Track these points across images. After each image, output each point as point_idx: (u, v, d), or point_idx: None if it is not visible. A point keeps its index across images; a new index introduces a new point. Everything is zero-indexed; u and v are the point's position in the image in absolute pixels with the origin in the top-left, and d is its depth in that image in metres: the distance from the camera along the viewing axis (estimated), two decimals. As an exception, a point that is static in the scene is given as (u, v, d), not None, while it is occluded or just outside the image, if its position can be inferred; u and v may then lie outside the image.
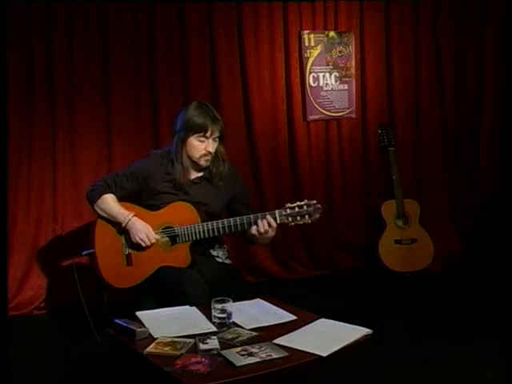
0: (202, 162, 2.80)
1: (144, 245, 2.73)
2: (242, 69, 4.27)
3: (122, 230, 2.78)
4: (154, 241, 2.74)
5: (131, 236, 2.74)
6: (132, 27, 3.96)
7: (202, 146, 2.77)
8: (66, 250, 3.74)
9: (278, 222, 2.66)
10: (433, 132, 4.71)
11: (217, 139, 2.80)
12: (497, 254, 4.32)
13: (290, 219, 2.66)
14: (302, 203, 2.66)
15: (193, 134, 2.76)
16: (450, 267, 4.46)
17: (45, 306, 3.82)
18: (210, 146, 2.77)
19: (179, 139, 2.79)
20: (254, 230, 2.66)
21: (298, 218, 2.65)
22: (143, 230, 2.73)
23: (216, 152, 2.84)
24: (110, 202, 2.81)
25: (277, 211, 2.66)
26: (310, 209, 2.66)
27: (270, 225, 2.64)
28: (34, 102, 3.80)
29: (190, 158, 2.80)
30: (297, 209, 2.65)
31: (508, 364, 2.53)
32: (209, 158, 2.80)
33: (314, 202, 2.67)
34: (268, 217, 2.65)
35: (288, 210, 2.66)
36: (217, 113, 2.81)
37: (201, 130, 2.74)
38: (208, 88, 4.16)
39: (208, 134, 2.76)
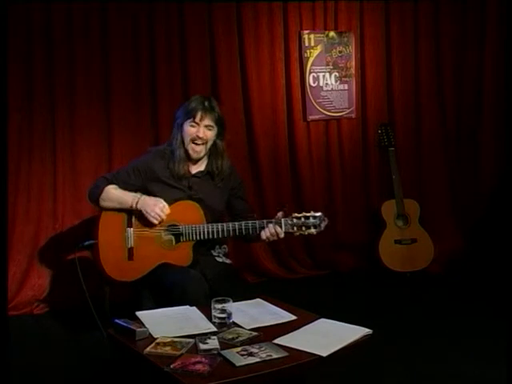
0: (191, 152, 2.80)
1: (160, 217, 2.71)
2: (242, 69, 4.28)
3: (128, 223, 2.77)
4: (167, 211, 2.72)
5: (145, 213, 2.72)
6: (132, 27, 3.97)
7: (193, 130, 2.78)
8: (66, 250, 3.75)
9: (283, 230, 2.67)
10: (433, 132, 4.71)
11: (211, 128, 2.80)
12: (497, 254, 4.31)
13: (295, 229, 2.67)
14: (309, 214, 2.67)
15: (186, 119, 2.80)
16: (450, 267, 4.46)
17: (45, 306, 3.81)
18: (201, 131, 2.77)
19: (177, 126, 2.84)
20: (263, 235, 2.68)
21: (304, 228, 2.66)
22: (157, 204, 2.72)
23: (216, 147, 2.86)
24: (113, 191, 2.80)
25: (282, 220, 2.68)
26: (316, 220, 2.67)
27: (277, 234, 2.67)
28: (34, 102, 3.80)
29: (183, 146, 2.81)
30: (303, 219, 2.66)
31: (508, 364, 2.52)
32: (199, 149, 2.80)
33: (320, 213, 2.68)
34: (277, 227, 2.67)
35: (294, 220, 2.67)
36: (216, 106, 2.83)
37: (191, 114, 2.78)
38: (208, 88, 4.16)
39: (197, 119, 2.77)
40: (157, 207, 2.72)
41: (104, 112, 3.96)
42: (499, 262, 4.24)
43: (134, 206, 2.74)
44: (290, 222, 2.67)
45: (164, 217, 2.73)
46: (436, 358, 2.94)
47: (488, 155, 4.72)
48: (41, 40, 3.76)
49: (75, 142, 3.91)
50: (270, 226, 2.68)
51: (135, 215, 2.79)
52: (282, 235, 2.69)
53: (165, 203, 2.74)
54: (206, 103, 2.80)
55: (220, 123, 2.84)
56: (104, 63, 3.93)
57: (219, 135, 2.87)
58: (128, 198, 2.77)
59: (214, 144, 2.87)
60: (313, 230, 2.67)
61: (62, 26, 3.79)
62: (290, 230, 2.68)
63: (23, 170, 3.80)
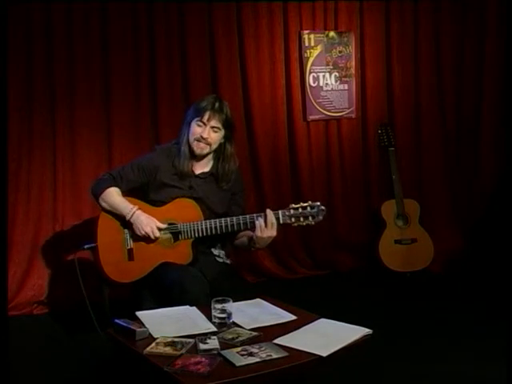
0: (195, 148, 2.80)
1: (152, 237, 2.72)
2: (242, 69, 4.27)
3: (126, 224, 2.78)
4: (158, 235, 2.73)
5: (135, 229, 2.74)
6: (132, 27, 3.97)
7: (198, 130, 2.78)
8: (66, 250, 3.75)
9: (281, 222, 2.66)
10: (433, 132, 4.71)
11: (217, 130, 2.79)
12: (497, 254, 4.31)
13: (292, 220, 2.66)
14: (306, 204, 2.66)
15: (194, 117, 2.80)
16: (450, 267, 4.45)
17: (45, 306, 3.81)
18: (206, 132, 2.77)
19: (186, 123, 2.84)
20: (256, 225, 2.64)
21: (302, 219, 2.66)
22: (148, 223, 2.72)
23: (223, 151, 2.86)
24: (114, 195, 2.80)
25: (280, 211, 2.67)
26: (314, 210, 2.66)
27: (271, 222, 2.63)
28: (34, 102, 3.80)
29: (188, 144, 2.81)
30: (300, 210, 2.66)
31: (508, 364, 2.52)
32: (203, 145, 2.79)
33: (318, 203, 2.67)
34: (269, 211, 2.64)
35: (291, 211, 2.66)
36: (226, 108, 2.82)
37: (199, 112, 2.78)
38: (208, 88, 4.16)
39: (205, 119, 2.76)
40: (148, 227, 2.72)
41: (104, 112, 3.96)
42: (499, 261, 4.23)
43: (128, 218, 2.75)
44: (287, 214, 2.66)
45: (154, 236, 2.73)
46: (436, 358, 2.94)
47: (488, 155, 4.72)
48: (41, 40, 3.76)
49: (75, 141, 3.91)
50: (260, 219, 2.64)
51: None
52: (274, 222, 2.64)
53: (158, 224, 2.74)
54: (217, 104, 2.79)
55: (228, 126, 2.83)
56: (104, 63, 3.93)
57: (228, 138, 2.86)
58: (124, 208, 2.76)
59: (223, 147, 2.87)
60: (311, 221, 2.66)
61: (62, 26, 3.79)
62: (288, 221, 2.67)
63: (23, 169, 3.80)
